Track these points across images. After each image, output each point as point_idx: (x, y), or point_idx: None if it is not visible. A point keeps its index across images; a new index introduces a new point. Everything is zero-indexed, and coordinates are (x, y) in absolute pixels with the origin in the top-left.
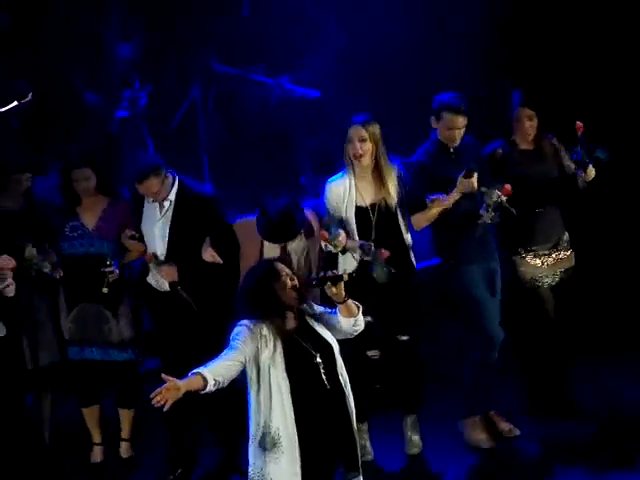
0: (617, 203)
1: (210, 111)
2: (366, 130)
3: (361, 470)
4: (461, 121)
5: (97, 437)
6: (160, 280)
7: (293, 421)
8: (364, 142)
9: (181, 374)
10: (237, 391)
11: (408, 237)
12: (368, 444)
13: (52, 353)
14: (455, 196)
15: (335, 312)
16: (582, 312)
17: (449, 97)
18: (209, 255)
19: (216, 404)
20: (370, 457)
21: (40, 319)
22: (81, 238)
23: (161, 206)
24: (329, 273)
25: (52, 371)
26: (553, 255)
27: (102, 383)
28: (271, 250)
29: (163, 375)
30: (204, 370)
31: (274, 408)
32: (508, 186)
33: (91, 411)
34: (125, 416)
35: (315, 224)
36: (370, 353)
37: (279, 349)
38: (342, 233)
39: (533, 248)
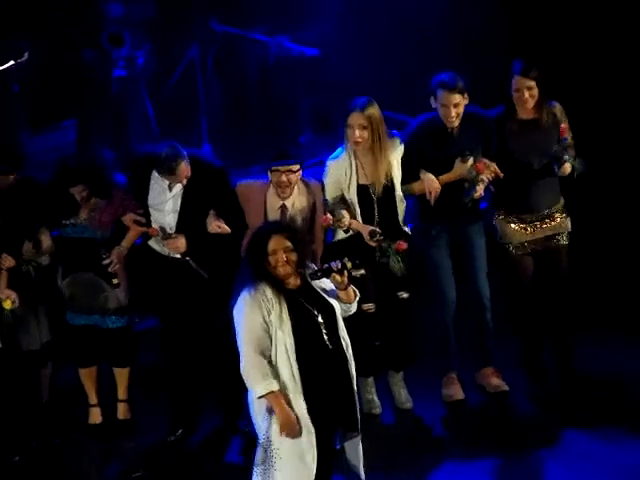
0: (621, 181)
1: (209, 71)
2: (365, 116)
3: (360, 430)
4: (456, 98)
5: (94, 398)
6: (164, 249)
7: (300, 380)
8: (364, 129)
9: (180, 335)
10: (235, 353)
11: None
12: (375, 398)
13: (47, 332)
14: (450, 177)
15: (333, 292)
16: (584, 282)
17: (445, 75)
18: (215, 226)
19: (217, 366)
20: (377, 411)
21: (39, 295)
22: (73, 226)
23: (171, 184)
24: (334, 264)
25: (46, 350)
26: (542, 223)
27: (98, 345)
28: (273, 212)
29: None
30: (273, 384)
31: (280, 367)
32: (480, 165)
33: (89, 372)
34: (120, 375)
35: (318, 190)
36: (365, 306)
37: (284, 309)
38: (345, 213)
39: (521, 217)
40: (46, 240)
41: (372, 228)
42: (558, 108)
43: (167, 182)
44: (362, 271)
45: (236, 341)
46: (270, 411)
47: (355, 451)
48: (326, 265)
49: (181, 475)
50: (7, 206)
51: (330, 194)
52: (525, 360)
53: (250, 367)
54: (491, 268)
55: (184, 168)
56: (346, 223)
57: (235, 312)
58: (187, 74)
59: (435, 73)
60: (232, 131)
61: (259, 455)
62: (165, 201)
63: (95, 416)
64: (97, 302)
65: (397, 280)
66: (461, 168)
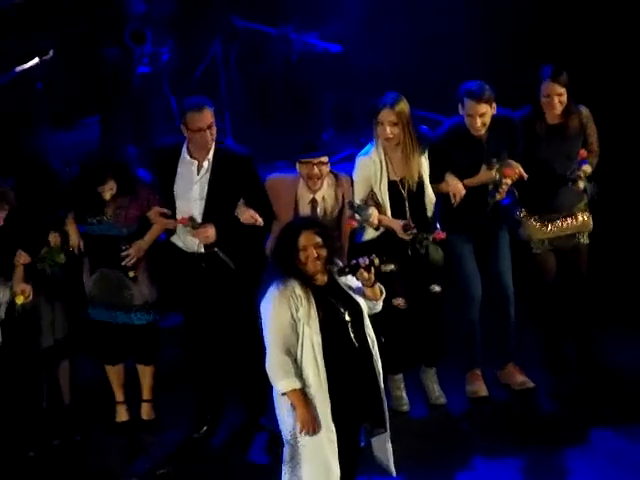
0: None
1: (232, 67)
2: (396, 112)
3: (388, 426)
4: (482, 108)
5: (121, 396)
6: (189, 241)
7: (325, 377)
8: (394, 126)
9: (204, 332)
10: (261, 350)
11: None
12: (404, 394)
13: (64, 327)
14: (474, 182)
15: (360, 289)
16: (606, 277)
17: (473, 84)
18: (249, 216)
19: (240, 363)
20: (406, 408)
21: (56, 292)
22: (99, 224)
23: (200, 166)
24: (361, 261)
25: (63, 344)
26: (564, 222)
27: (124, 342)
28: (304, 206)
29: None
30: (296, 382)
31: (306, 364)
32: (508, 171)
33: (116, 369)
34: (145, 373)
35: (347, 183)
36: (395, 302)
37: (313, 305)
38: (373, 211)
39: (544, 215)
40: (73, 232)
41: (405, 221)
42: (584, 114)
43: (195, 164)
44: (392, 266)
45: (261, 336)
46: (295, 408)
47: (384, 448)
48: (354, 261)
49: (205, 472)
50: (29, 197)
51: (359, 191)
52: (548, 357)
53: (275, 364)
54: (513, 266)
55: (208, 114)
56: (375, 222)
57: (263, 308)
58: (210, 70)
59: (459, 75)
60: (255, 127)
61: (287, 452)
62: (193, 185)
63: (122, 414)
64: (122, 299)
65: (429, 274)
66: (486, 174)
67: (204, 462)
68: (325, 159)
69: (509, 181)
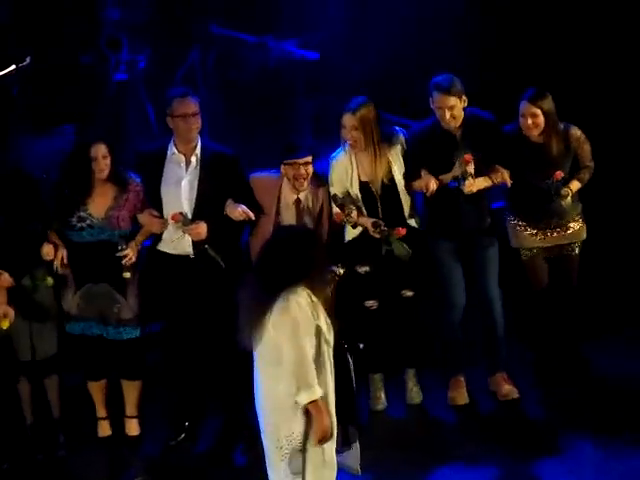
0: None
1: (209, 75)
2: (357, 117)
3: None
4: (450, 101)
5: (103, 411)
6: (178, 244)
7: (332, 382)
8: (355, 130)
9: (187, 337)
10: (240, 357)
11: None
12: (382, 394)
13: (50, 345)
14: (448, 178)
15: None
16: (597, 285)
17: (441, 77)
18: (241, 212)
19: (220, 370)
20: (381, 407)
21: (40, 309)
22: (90, 228)
23: (188, 162)
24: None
25: (51, 362)
26: (556, 231)
27: (109, 357)
28: (287, 207)
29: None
30: (320, 389)
31: (326, 370)
32: (468, 156)
33: (99, 385)
34: (130, 389)
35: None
36: (368, 303)
37: (324, 312)
38: (354, 208)
39: (535, 223)
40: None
41: (375, 220)
42: (574, 136)
43: (182, 160)
44: (367, 268)
45: (238, 344)
46: (306, 416)
47: (355, 450)
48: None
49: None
50: (9, 209)
51: (336, 191)
52: (535, 367)
53: (304, 373)
54: (505, 273)
55: (193, 103)
56: (354, 218)
57: (283, 317)
58: (187, 78)
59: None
60: (233, 134)
61: (293, 463)
62: (181, 181)
63: (104, 429)
64: (111, 313)
65: (403, 278)
66: (459, 169)
67: (183, 469)
68: (310, 159)
69: (471, 168)
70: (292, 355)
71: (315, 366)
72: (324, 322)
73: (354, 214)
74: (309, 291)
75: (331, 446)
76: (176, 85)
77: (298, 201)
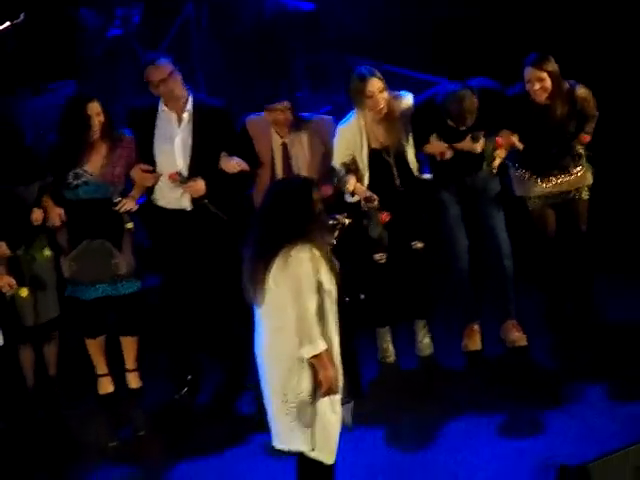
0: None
1: (204, 28)
2: (379, 78)
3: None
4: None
5: (103, 368)
6: (173, 199)
7: (337, 335)
8: (383, 92)
9: (186, 292)
10: (243, 309)
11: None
12: (390, 346)
13: (54, 308)
14: (459, 147)
15: None
16: (608, 229)
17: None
18: (234, 164)
19: (221, 324)
20: (391, 359)
21: (41, 274)
22: (86, 185)
23: (179, 119)
24: (331, 218)
25: (53, 324)
26: (560, 177)
27: (106, 314)
28: (277, 149)
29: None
30: (323, 342)
31: (330, 322)
32: (500, 140)
33: (97, 342)
34: (129, 344)
35: (321, 125)
36: (377, 256)
37: (328, 265)
38: (350, 178)
39: (539, 172)
40: (51, 207)
41: (370, 194)
42: (581, 95)
43: (174, 116)
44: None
45: (239, 297)
46: (312, 370)
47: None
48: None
49: (188, 433)
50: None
51: (338, 157)
52: (546, 312)
53: (309, 327)
54: (511, 223)
55: (165, 64)
56: (350, 188)
57: (288, 271)
58: (182, 32)
59: (438, 31)
60: (228, 88)
61: (303, 417)
62: (174, 137)
63: (106, 386)
64: (108, 270)
65: (412, 230)
66: (470, 145)
67: (186, 423)
68: (287, 105)
69: (503, 153)
70: (294, 310)
71: (318, 320)
72: (325, 276)
73: (350, 185)
74: (310, 245)
75: (337, 397)
76: (168, 40)
77: (284, 145)
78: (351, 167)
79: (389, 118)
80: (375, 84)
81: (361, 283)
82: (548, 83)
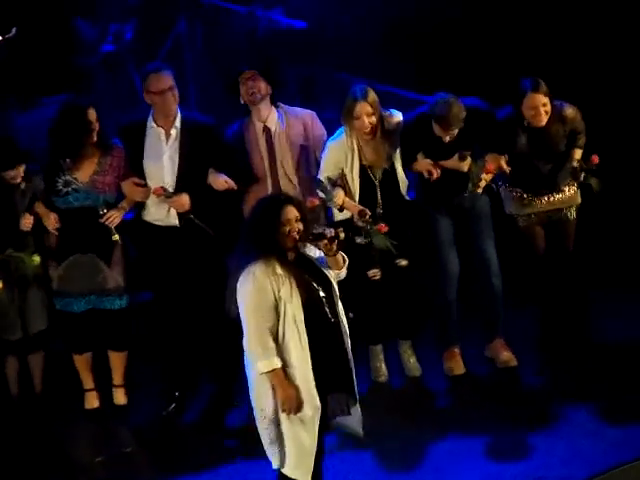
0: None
1: (197, 45)
2: (370, 103)
3: (356, 397)
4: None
5: (90, 383)
6: (161, 215)
7: (309, 355)
8: (372, 115)
9: (177, 307)
10: (234, 325)
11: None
12: (383, 365)
13: (41, 320)
14: (446, 165)
15: (322, 259)
16: (602, 246)
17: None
18: (222, 181)
19: (213, 338)
20: (383, 379)
21: (29, 286)
22: (76, 192)
23: (167, 135)
24: (327, 231)
25: (39, 337)
26: (550, 196)
27: (94, 329)
28: (260, 139)
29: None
30: (277, 361)
31: (290, 343)
32: (491, 166)
33: (84, 359)
34: (117, 359)
35: (308, 119)
36: (371, 273)
37: (294, 283)
38: (339, 192)
39: (528, 189)
40: (44, 212)
41: (362, 208)
42: (570, 116)
43: (162, 133)
44: (364, 238)
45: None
46: (275, 387)
47: (355, 414)
48: (320, 230)
49: (174, 449)
50: None
51: (326, 171)
52: (539, 331)
53: (255, 344)
54: (500, 241)
55: (166, 77)
56: (339, 202)
57: (241, 288)
58: (175, 48)
59: (426, 49)
60: (220, 103)
61: (270, 433)
62: (162, 154)
63: (92, 401)
64: (95, 284)
65: (397, 248)
66: (457, 164)
67: (173, 439)
68: (255, 74)
69: (489, 176)
70: (245, 326)
71: (277, 337)
72: (287, 293)
73: (338, 199)
74: (273, 261)
75: (309, 414)
76: (162, 56)
77: (266, 129)
78: (337, 182)
79: (377, 138)
80: (364, 108)
81: (352, 301)
82: (549, 107)
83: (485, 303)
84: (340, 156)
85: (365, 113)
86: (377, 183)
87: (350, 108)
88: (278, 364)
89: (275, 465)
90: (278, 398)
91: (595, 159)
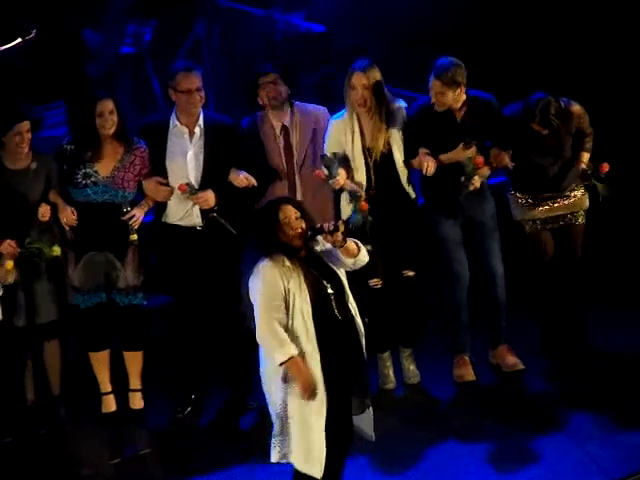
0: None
1: (214, 47)
2: (367, 76)
3: (369, 399)
4: (437, 87)
5: (107, 386)
6: (183, 214)
7: (317, 347)
8: (366, 89)
9: (194, 310)
10: (245, 331)
11: (404, 178)
12: (391, 373)
13: (52, 311)
14: (449, 157)
15: (336, 252)
16: (604, 256)
17: (442, 61)
18: (243, 178)
19: (225, 344)
20: (391, 386)
21: (40, 274)
22: (95, 185)
23: (191, 134)
24: (325, 225)
25: (52, 328)
26: (557, 201)
27: (111, 328)
28: (278, 138)
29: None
30: (293, 348)
31: (298, 334)
32: (480, 159)
33: (101, 356)
34: (132, 360)
35: (320, 116)
36: (372, 282)
37: (302, 276)
38: (342, 172)
39: (537, 194)
40: (62, 204)
41: (356, 189)
42: (575, 113)
43: (186, 131)
44: (369, 247)
45: (245, 317)
46: (285, 380)
47: (365, 415)
48: (318, 225)
49: (191, 452)
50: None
51: (330, 148)
52: (542, 338)
53: (269, 335)
54: (506, 247)
55: (197, 77)
56: (340, 182)
57: (252, 281)
58: (193, 51)
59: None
60: (238, 106)
61: (276, 426)
62: (187, 152)
63: (109, 404)
64: (109, 279)
65: (403, 257)
66: (462, 153)
67: (189, 442)
68: (277, 77)
69: (485, 171)
70: (257, 319)
71: (286, 329)
72: (297, 285)
73: (340, 179)
74: (281, 257)
75: (322, 411)
76: (180, 58)
77: (284, 128)
78: (342, 161)
79: (376, 120)
80: (360, 79)
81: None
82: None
83: (489, 310)
84: (340, 133)
85: (360, 84)
86: (371, 165)
87: (348, 78)
88: (294, 352)
89: (274, 459)
90: (299, 384)
91: (605, 167)
